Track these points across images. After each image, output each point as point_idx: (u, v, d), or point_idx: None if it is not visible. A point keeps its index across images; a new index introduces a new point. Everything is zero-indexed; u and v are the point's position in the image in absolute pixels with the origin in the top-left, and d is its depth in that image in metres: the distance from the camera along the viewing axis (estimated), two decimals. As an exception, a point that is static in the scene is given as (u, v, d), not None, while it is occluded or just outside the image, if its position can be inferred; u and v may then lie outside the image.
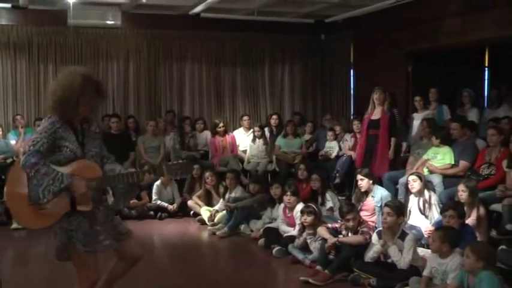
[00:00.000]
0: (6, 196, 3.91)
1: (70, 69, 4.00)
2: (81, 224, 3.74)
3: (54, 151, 3.69)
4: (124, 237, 4.02)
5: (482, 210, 6.24)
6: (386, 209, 5.64)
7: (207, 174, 8.92)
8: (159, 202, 9.05)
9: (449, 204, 5.98)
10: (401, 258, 5.40)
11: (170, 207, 8.98)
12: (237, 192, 8.41)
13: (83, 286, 3.81)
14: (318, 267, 5.75)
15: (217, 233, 7.80)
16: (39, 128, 3.76)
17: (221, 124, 10.58)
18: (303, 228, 6.51)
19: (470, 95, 9.08)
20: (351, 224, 5.95)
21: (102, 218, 3.87)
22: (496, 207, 6.46)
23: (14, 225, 7.83)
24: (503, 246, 5.82)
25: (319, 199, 7.66)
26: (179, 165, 3.93)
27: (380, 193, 7.15)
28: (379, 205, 6.95)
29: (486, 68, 10.68)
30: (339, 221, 6.34)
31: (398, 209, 5.61)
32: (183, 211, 9.12)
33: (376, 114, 8.22)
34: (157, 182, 8.99)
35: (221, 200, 8.58)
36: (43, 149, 3.62)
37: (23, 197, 3.72)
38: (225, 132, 10.62)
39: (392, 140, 8.17)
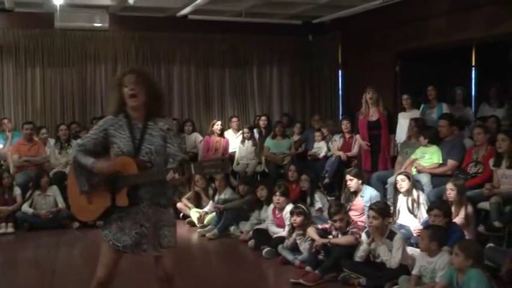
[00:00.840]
0: (68, 191, 4.10)
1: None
2: (117, 218, 3.75)
3: (109, 148, 3.83)
4: (162, 251, 3.86)
5: (470, 208, 6.27)
6: (370, 213, 5.64)
7: (197, 176, 8.89)
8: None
9: (434, 204, 6.02)
10: (390, 258, 5.42)
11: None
12: (226, 194, 8.40)
13: (94, 280, 3.80)
14: (308, 268, 5.76)
15: (207, 234, 7.79)
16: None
17: (219, 123, 10.55)
18: (292, 229, 6.52)
19: (463, 93, 9.12)
20: (338, 224, 5.95)
21: (151, 218, 3.78)
22: (484, 205, 6.50)
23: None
24: (491, 244, 5.86)
25: (308, 200, 7.67)
26: (212, 162, 3.59)
27: (369, 193, 7.17)
28: (368, 205, 6.96)
29: (473, 68, 10.74)
30: (329, 221, 6.34)
31: (382, 210, 5.60)
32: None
33: (373, 115, 8.24)
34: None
35: (210, 201, 8.57)
36: (88, 144, 3.83)
37: (75, 188, 3.91)
38: (222, 133, 10.60)
39: (392, 136, 8.33)
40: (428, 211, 5.94)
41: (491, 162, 6.71)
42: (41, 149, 9.33)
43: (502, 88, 8.85)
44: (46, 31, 10.56)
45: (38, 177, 8.57)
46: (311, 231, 6.15)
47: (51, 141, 9.81)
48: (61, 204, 8.53)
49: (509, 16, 8.11)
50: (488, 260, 5.50)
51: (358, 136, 8.47)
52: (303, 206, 6.62)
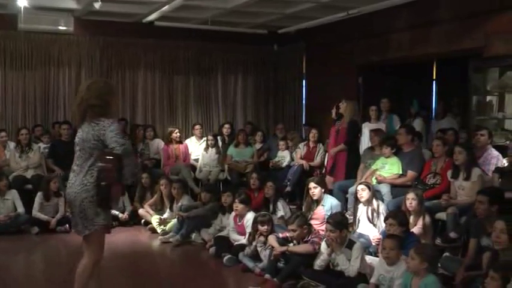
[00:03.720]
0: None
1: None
2: None
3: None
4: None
5: (427, 218, 6.41)
6: (327, 226, 5.66)
7: (162, 181, 8.87)
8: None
9: (389, 213, 6.13)
10: (349, 267, 5.49)
11: (121, 215, 8.88)
12: (183, 201, 8.39)
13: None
14: (267, 276, 5.81)
15: (171, 239, 7.75)
16: (111, 126, 4.32)
17: (176, 131, 10.51)
18: (253, 237, 6.54)
19: (414, 106, 9.42)
20: (295, 234, 6.00)
21: None
22: (441, 215, 6.65)
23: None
24: (447, 254, 6.00)
25: (271, 207, 7.72)
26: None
27: (330, 202, 7.28)
28: (329, 213, 7.07)
29: (434, 81, 11.00)
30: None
31: (339, 224, 5.58)
32: (134, 220, 9.05)
33: (342, 124, 8.43)
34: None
35: (168, 210, 8.55)
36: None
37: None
38: (180, 140, 10.58)
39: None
40: (384, 220, 6.07)
41: (449, 173, 6.87)
42: (1, 153, 9.17)
43: (444, 103, 9.33)
44: (9, 33, 10.42)
45: (-4, 180, 8.42)
46: (271, 239, 6.20)
47: (11, 144, 9.64)
48: (20, 208, 8.40)
49: (468, 32, 8.34)
50: (443, 268, 5.62)
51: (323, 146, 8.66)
52: (268, 214, 6.67)
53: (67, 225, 8.12)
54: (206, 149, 10.44)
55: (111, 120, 4.36)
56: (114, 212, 8.85)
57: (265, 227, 6.38)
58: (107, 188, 4.26)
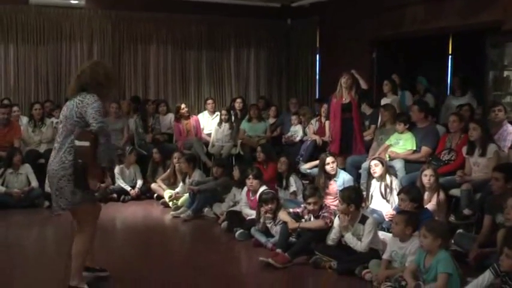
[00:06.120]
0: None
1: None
2: None
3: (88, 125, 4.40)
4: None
5: (442, 195, 6.37)
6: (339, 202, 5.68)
7: (175, 154, 8.88)
8: (122, 184, 8.96)
9: (402, 188, 6.11)
10: (357, 244, 5.45)
11: (132, 191, 8.91)
12: (195, 176, 8.38)
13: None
14: (278, 250, 5.79)
15: (182, 215, 7.77)
16: (94, 104, 4.41)
17: (183, 106, 10.47)
18: (258, 214, 6.51)
19: (422, 82, 9.28)
20: (311, 207, 5.98)
21: None
22: (455, 192, 6.59)
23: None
24: (461, 230, 5.95)
25: (284, 182, 7.70)
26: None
27: (342, 177, 7.27)
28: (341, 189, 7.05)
29: (450, 56, 10.83)
30: (302, 205, 6.37)
31: (347, 198, 5.53)
32: (147, 194, 9.09)
33: (346, 98, 8.29)
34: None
35: (181, 183, 8.56)
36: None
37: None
38: (188, 115, 10.54)
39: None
40: (397, 195, 6.04)
41: (464, 150, 6.80)
42: (17, 133, 9.15)
43: (464, 77, 9.02)
44: (20, 7, 10.35)
45: (10, 155, 8.45)
46: (283, 215, 6.17)
47: (24, 119, 9.67)
48: (34, 182, 8.44)
49: (485, 5, 8.17)
50: (457, 245, 5.60)
51: (327, 122, 8.53)
52: (272, 191, 6.64)
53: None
54: (219, 123, 10.40)
55: (96, 98, 4.46)
56: (126, 186, 8.91)
57: (269, 205, 6.34)
58: (83, 167, 4.32)
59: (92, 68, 4.66)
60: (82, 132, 4.39)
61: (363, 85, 8.25)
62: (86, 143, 4.31)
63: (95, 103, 4.41)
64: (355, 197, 5.59)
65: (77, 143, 4.36)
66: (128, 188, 8.90)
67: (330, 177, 7.26)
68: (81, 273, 4.66)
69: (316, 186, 6.81)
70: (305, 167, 8.40)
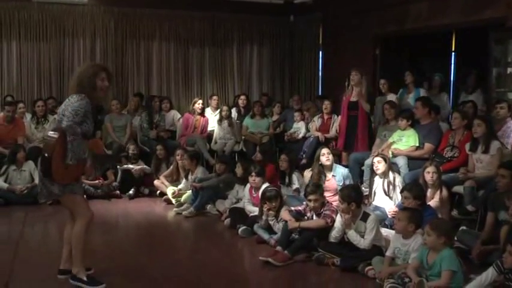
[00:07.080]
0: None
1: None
2: None
3: (81, 124, 4.56)
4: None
5: (445, 192, 6.35)
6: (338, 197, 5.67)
7: (178, 151, 8.89)
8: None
9: (405, 186, 6.09)
10: (360, 241, 5.45)
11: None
12: (198, 173, 8.39)
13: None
14: (278, 248, 5.78)
15: (184, 212, 7.77)
16: (75, 104, 4.54)
17: (200, 102, 10.36)
18: (261, 211, 6.50)
19: (441, 79, 9.19)
20: (313, 204, 5.97)
21: None
22: (458, 189, 6.58)
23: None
24: (464, 227, 5.94)
25: (287, 179, 7.71)
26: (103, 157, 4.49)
27: (340, 172, 7.34)
28: (341, 184, 7.06)
29: (453, 53, 10.79)
30: (304, 202, 6.36)
31: (347, 196, 5.52)
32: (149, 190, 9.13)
33: (354, 95, 8.30)
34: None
35: (184, 180, 8.56)
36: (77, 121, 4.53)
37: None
38: (203, 112, 10.49)
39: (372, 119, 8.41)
40: (400, 192, 6.04)
41: (467, 146, 6.78)
42: (21, 130, 9.16)
43: (478, 74, 8.92)
44: (23, 4, 10.36)
45: (14, 152, 8.46)
46: (284, 213, 6.17)
47: (28, 115, 9.70)
48: (37, 179, 8.42)
49: (488, 2, 8.15)
50: (460, 242, 5.59)
51: (338, 118, 8.54)
52: (274, 188, 6.63)
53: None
54: (220, 121, 10.37)
55: (79, 98, 4.58)
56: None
57: (273, 203, 6.33)
58: (47, 159, 4.50)
59: (82, 70, 4.82)
60: (56, 127, 4.66)
61: (365, 108, 8.32)
62: (55, 136, 4.52)
63: (75, 103, 4.56)
64: (355, 195, 5.58)
65: (49, 133, 4.67)
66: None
67: (325, 169, 7.29)
68: (80, 261, 4.77)
69: (318, 183, 6.79)
70: None
